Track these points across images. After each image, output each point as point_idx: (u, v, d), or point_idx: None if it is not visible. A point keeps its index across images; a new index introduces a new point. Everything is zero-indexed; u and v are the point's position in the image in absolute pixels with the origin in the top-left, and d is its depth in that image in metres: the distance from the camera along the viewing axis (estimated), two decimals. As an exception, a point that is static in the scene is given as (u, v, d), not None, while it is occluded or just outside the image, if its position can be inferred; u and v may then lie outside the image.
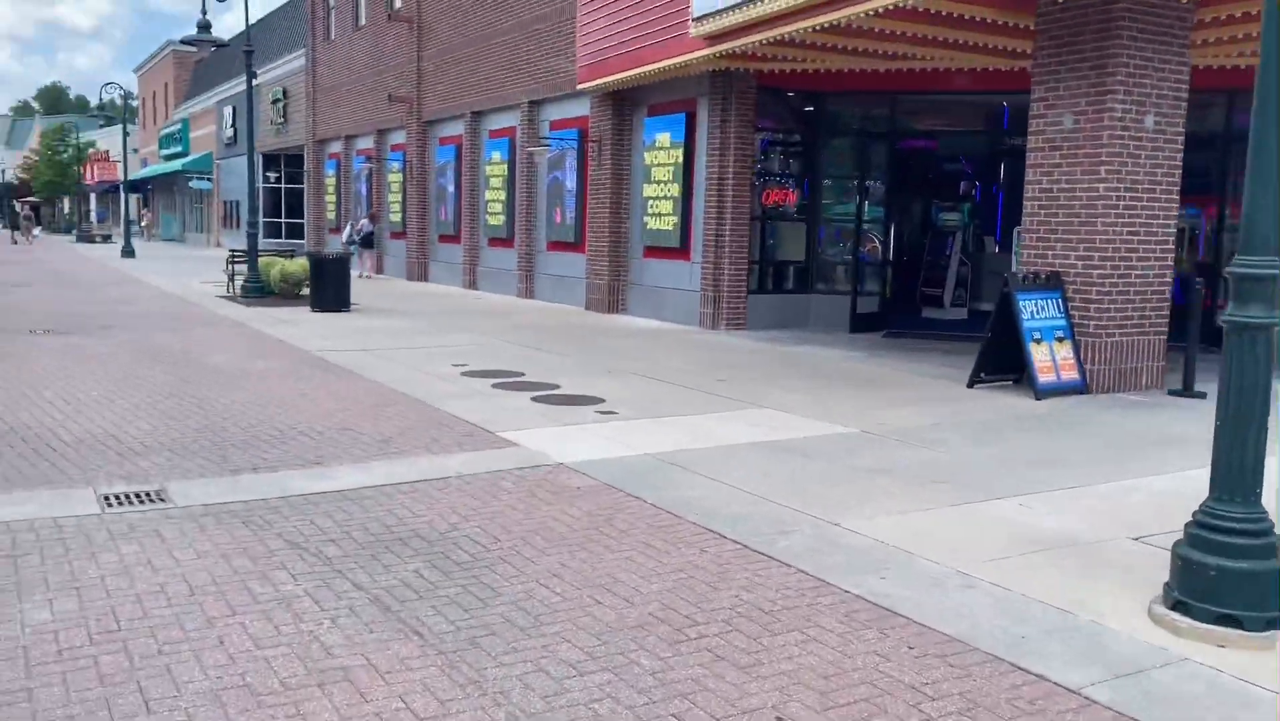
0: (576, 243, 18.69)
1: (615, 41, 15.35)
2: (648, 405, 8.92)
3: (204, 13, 18.65)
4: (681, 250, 15.79)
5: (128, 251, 36.82)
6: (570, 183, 18.76)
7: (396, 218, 26.79)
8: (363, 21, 28.55)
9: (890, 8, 9.57)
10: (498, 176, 21.50)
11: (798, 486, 6.24)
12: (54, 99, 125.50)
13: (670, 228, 15.93)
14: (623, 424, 8.10)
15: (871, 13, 9.82)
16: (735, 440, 7.53)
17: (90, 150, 67.23)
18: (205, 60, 48.63)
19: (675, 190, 15.77)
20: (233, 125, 42.01)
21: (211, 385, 9.54)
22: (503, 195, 21.32)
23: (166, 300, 18.96)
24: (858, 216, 15.21)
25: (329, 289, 16.91)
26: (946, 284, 17.31)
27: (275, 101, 36.57)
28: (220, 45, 20.91)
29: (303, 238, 35.82)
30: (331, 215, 31.55)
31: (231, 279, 20.15)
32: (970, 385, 10.08)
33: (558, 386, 9.77)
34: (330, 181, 31.96)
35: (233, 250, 21.22)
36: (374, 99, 27.37)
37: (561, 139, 18.56)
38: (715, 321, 14.94)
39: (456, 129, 23.35)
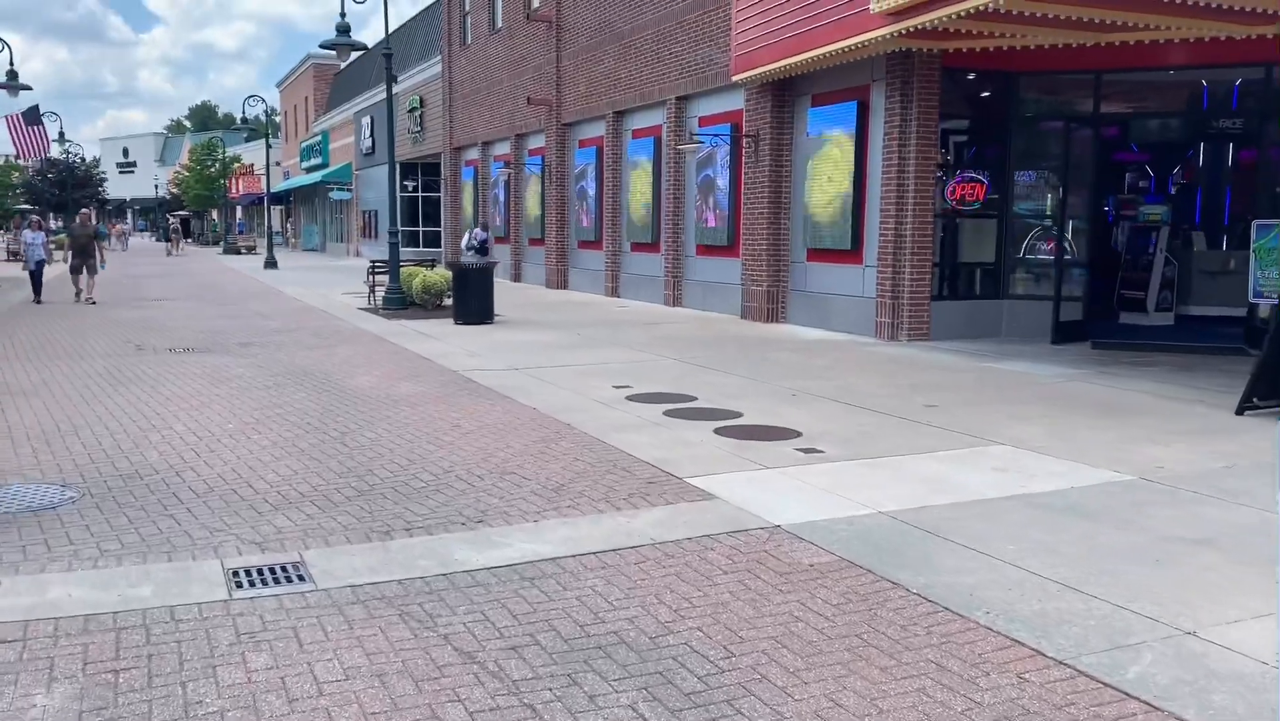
0: (729, 246, 17.36)
1: (777, 25, 13.95)
2: (854, 440, 7.51)
3: (343, 15, 18.03)
4: (852, 252, 14.28)
5: (270, 263, 37.12)
6: (723, 181, 17.43)
7: (535, 224, 25.93)
8: (500, 24, 27.83)
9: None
10: (641, 178, 20.33)
11: (1101, 566, 4.75)
12: (203, 117, 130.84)
13: (839, 228, 14.43)
14: (832, 467, 6.73)
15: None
16: (985, 492, 6.06)
17: (235, 164, 69.26)
18: (343, 73, 49.15)
19: (844, 187, 14.27)
20: (370, 135, 42.18)
21: (355, 415, 8.57)
22: (647, 198, 20.13)
23: (307, 314, 18.42)
24: (1060, 212, 13.34)
25: (472, 301, 16.01)
26: (1150, 286, 15.28)
27: (412, 110, 36.35)
28: (359, 48, 20.35)
29: (439, 246, 35.51)
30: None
31: (372, 290, 19.60)
32: (1239, 411, 8.33)
33: (739, 415, 8.45)
34: (467, 189, 31.40)
35: (373, 260, 20.68)
36: (511, 103, 26.61)
37: (714, 135, 17.25)
38: (894, 331, 13.38)
39: (597, 130, 22.30)
